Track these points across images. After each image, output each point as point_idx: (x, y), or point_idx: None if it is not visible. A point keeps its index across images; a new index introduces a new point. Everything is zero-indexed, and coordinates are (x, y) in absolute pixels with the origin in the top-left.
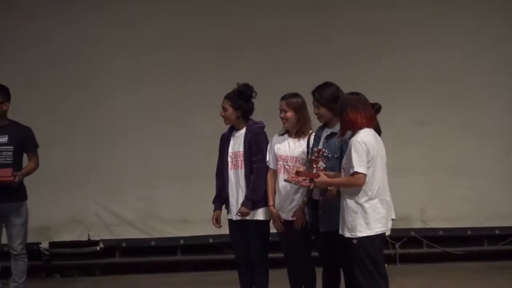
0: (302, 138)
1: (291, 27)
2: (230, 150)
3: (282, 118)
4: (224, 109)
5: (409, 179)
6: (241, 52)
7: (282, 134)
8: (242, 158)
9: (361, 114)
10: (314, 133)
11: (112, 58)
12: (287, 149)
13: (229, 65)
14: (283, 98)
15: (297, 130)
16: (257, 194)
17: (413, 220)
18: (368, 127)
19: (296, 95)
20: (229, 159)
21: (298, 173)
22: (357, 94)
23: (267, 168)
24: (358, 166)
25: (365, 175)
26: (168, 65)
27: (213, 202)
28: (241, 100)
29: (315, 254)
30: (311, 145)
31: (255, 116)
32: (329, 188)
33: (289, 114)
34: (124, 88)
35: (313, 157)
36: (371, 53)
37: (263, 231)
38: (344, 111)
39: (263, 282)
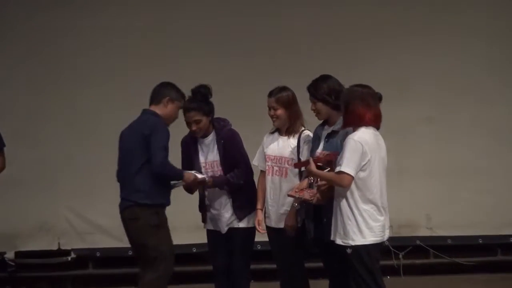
0: (292, 136)
1: (292, 24)
2: (202, 160)
3: (272, 116)
4: (197, 122)
5: (414, 182)
6: (234, 51)
7: (273, 133)
8: (221, 168)
9: (371, 110)
10: (306, 131)
11: (89, 49)
12: (276, 148)
13: (218, 64)
14: (270, 95)
15: (287, 128)
16: (226, 183)
17: (418, 227)
18: (372, 125)
19: (284, 89)
20: (203, 170)
21: (294, 165)
22: (368, 87)
23: (252, 173)
24: (346, 166)
25: (351, 177)
26: (151, 58)
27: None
28: (207, 105)
29: (309, 265)
30: (301, 144)
31: (256, 117)
32: (318, 180)
33: (279, 111)
34: (101, 81)
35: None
36: (374, 46)
37: (247, 240)
38: (352, 103)
39: None
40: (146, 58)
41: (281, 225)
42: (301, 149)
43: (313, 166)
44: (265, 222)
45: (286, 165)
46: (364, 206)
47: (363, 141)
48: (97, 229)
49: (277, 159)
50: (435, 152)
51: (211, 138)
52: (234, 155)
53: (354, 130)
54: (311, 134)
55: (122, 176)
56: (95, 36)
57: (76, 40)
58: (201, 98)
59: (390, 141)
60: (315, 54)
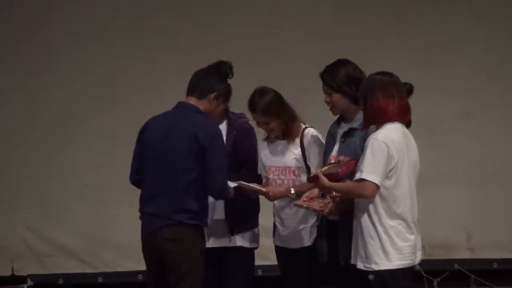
0: (292, 141)
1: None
2: None
3: (265, 130)
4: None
5: (450, 192)
6: (226, 38)
7: (269, 138)
8: None
9: (395, 102)
10: (309, 129)
11: (57, 36)
12: (277, 157)
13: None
14: (253, 109)
15: (284, 131)
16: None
17: (456, 247)
18: (398, 120)
19: (264, 93)
20: None
21: (307, 179)
22: (391, 75)
23: (260, 180)
24: (368, 172)
25: (376, 185)
26: (130, 49)
27: None
28: (225, 87)
29: None
30: (307, 147)
31: None
32: (333, 194)
33: (273, 124)
34: (71, 73)
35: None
36: (400, 27)
37: (244, 264)
38: (371, 95)
39: None
40: (129, 50)
41: (291, 245)
42: (307, 153)
43: (323, 180)
44: (273, 241)
45: (293, 177)
46: (390, 222)
47: (388, 140)
48: (60, 251)
49: (280, 170)
50: (476, 154)
51: (221, 128)
52: (245, 151)
53: (377, 128)
54: (316, 132)
55: (158, 186)
56: (67, 22)
57: (43, 26)
58: (222, 75)
59: (420, 142)
60: (337, 40)
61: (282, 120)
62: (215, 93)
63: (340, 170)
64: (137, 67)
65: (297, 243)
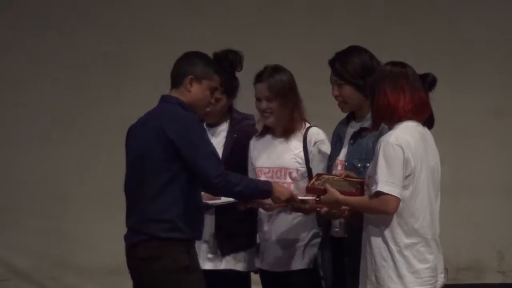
0: (294, 137)
1: None
2: None
3: (263, 111)
4: (216, 100)
5: (478, 204)
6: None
7: (262, 135)
8: None
9: (406, 96)
10: (313, 128)
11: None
12: (271, 156)
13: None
14: (259, 79)
15: (285, 125)
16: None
17: (486, 269)
18: (413, 118)
19: (278, 69)
20: None
21: (307, 190)
22: (403, 65)
23: None
24: (385, 183)
25: (397, 198)
26: (96, 37)
27: None
28: (232, 80)
29: None
30: (310, 148)
31: None
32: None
33: (274, 104)
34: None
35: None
36: (424, 13)
37: None
38: (378, 90)
39: None
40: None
41: (279, 268)
42: (310, 156)
43: (335, 193)
44: (256, 263)
45: (289, 179)
46: (406, 240)
47: (403, 143)
48: (14, 274)
49: (274, 172)
50: (509, 159)
51: (222, 128)
52: (242, 158)
53: (390, 129)
54: (323, 133)
55: (131, 195)
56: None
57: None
58: (226, 69)
59: (442, 145)
60: (353, 26)
61: (286, 106)
62: (190, 76)
63: (355, 191)
64: (105, 65)
65: (287, 264)
